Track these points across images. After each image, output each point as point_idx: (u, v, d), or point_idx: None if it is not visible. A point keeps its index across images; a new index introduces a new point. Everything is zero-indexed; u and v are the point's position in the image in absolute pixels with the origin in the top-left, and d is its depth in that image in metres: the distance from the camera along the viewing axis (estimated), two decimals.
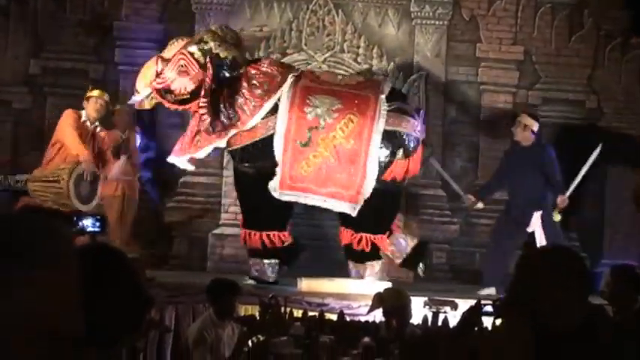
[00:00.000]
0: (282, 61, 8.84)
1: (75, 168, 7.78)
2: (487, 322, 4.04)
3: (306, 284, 7.49)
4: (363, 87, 7.80)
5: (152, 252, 9.07)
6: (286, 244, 7.83)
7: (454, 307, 5.93)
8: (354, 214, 7.58)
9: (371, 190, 7.55)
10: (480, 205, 8.48)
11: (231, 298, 5.64)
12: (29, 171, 8.10)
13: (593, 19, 9.84)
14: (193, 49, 7.56)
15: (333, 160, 7.54)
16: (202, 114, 7.42)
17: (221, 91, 7.53)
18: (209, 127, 7.45)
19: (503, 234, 8.31)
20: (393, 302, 5.52)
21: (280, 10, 9.84)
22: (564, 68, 9.86)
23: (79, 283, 1.28)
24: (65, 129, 8.04)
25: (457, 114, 9.87)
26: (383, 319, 5.68)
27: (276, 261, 7.84)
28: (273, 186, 7.59)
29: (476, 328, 3.88)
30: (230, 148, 7.78)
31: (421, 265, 7.91)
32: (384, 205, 7.67)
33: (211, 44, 7.55)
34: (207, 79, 7.39)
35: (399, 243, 7.81)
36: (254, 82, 7.59)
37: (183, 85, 7.54)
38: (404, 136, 7.58)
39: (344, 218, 7.74)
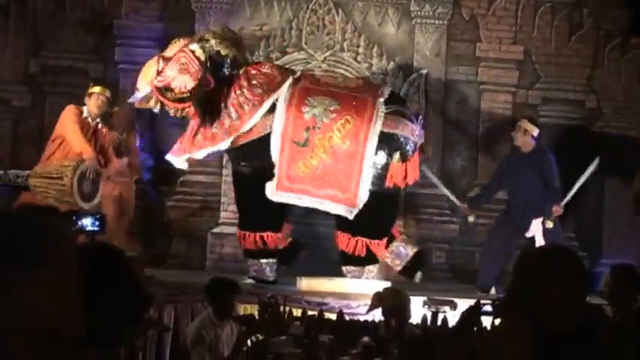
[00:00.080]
0: (282, 64, 8.85)
1: (79, 165, 7.74)
2: (486, 321, 4.04)
3: (305, 283, 7.49)
4: (362, 90, 7.79)
5: (151, 252, 9.06)
6: (281, 247, 7.83)
7: (453, 306, 5.93)
8: (350, 217, 7.57)
9: (367, 193, 7.54)
10: (471, 218, 8.47)
11: (231, 298, 5.63)
12: (28, 169, 8.04)
13: (593, 18, 9.83)
14: (194, 46, 7.57)
15: (329, 160, 7.53)
16: (200, 115, 7.45)
17: (221, 90, 7.56)
18: (208, 125, 7.48)
19: (499, 234, 8.31)
20: (392, 302, 5.52)
21: (280, 9, 9.83)
22: (564, 68, 9.85)
23: (79, 282, 1.28)
24: (67, 124, 7.97)
25: (457, 113, 9.86)
26: (382, 318, 5.68)
27: (274, 260, 7.83)
28: (270, 187, 7.58)
29: (475, 328, 3.87)
30: (228, 148, 7.78)
31: (419, 273, 7.89)
32: (382, 210, 7.66)
33: (212, 42, 7.58)
34: (208, 76, 7.42)
35: (400, 252, 7.80)
36: (254, 81, 7.60)
37: (183, 82, 7.53)
38: (401, 139, 7.56)
39: (340, 221, 7.72)
